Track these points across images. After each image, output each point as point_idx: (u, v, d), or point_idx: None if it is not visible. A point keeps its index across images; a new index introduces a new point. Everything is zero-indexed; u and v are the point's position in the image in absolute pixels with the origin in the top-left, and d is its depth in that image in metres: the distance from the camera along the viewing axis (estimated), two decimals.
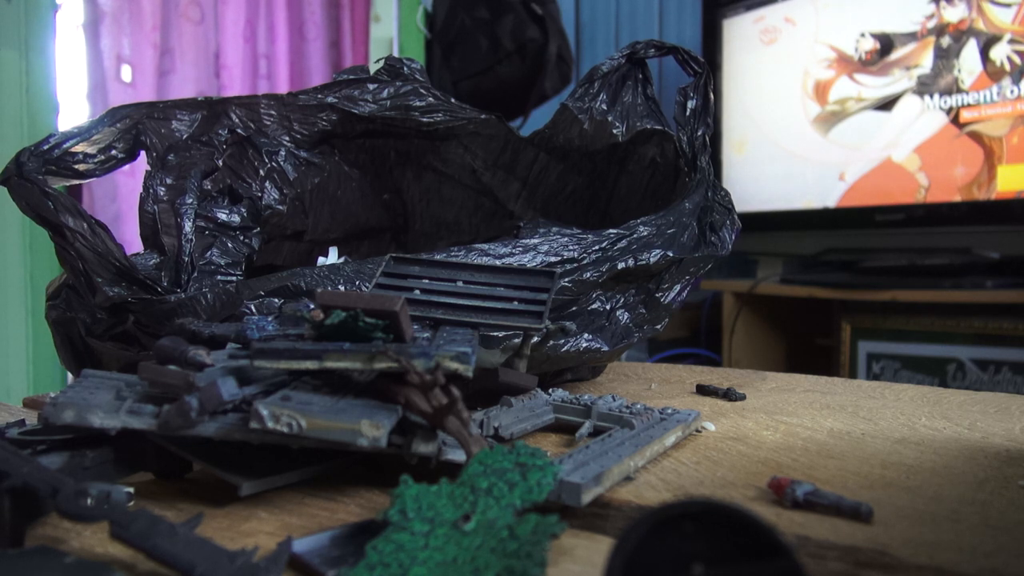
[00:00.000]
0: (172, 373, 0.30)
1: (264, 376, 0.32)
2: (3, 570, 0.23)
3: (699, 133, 0.61)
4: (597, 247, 0.49)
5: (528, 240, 0.47)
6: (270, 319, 0.37)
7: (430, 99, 0.65)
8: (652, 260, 0.51)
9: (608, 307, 0.51)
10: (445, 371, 0.30)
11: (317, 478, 0.34)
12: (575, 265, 0.48)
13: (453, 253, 0.45)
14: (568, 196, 0.69)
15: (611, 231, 0.51)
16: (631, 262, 0.50)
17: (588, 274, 0.49)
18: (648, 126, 0.64)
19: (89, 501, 0.25)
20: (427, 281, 0.41)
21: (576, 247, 0.49)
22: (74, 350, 0.47)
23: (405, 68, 0.64)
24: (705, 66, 0.63)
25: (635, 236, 0.51)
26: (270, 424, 0.28)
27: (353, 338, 0.31)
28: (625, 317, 0.52)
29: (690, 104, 0.61)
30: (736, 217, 0.59)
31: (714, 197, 0.59)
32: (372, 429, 0.28)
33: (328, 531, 0.28)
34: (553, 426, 0.43)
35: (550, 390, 0.46)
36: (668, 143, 0.64)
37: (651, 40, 0.65)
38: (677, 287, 0.55)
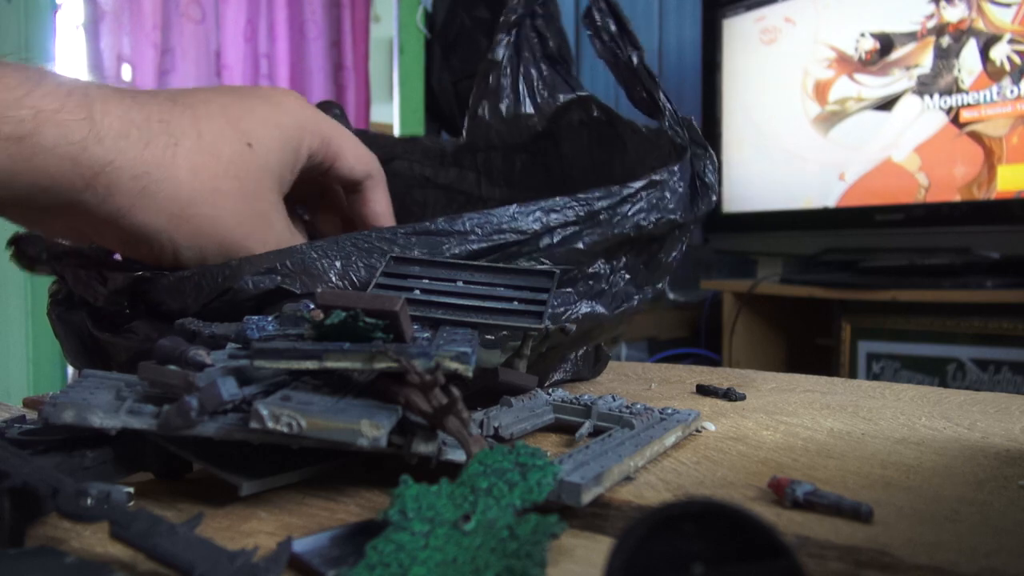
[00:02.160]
0: (172, 373, 0.30)
1: (264, 376, 0.32)
2: (3, 570, 0.23)
3: (635, 61, 0.55)
4: (600, 207, 0.46)
5: (526, 207, 0.45)
6: (270, 319, 0.37)
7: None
8: (656, 226, 0.49)
9: (607, 270, 0.50)
10: (445, 371, 0.30)
11: (317, 478, 0.34)
12: (577, 228, 0.46)
13: (449, 220, 0.44)
14: (521, 171, 0.68)
15: (614, 188, 0.48)
16: (633, 231, 0.48)
17: (588, 242, 0.46)
18: (560, 100, 0.62)
19: (89, 501, 0.25)
20: (427, 281, 0.41)
21: (579, 208, 0.46)
22: (80, 344, 0.47)
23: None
24: None
25: (637, 200, 0.48)
26: (270, 424, 0.28)
27: (353, 338, 0.31)
28: (625, 279, 0.51)
29: (604, 33, 0.56)
30: (712, 155, 0.54)
31: (688, 134, 0.54)
32: (372, 429, 0.28)
33: (328, 531, 0.28)
34: (553, 426, 0.43)
35: (550, 390, 0.46)
36: (588, 103, 0.62)
37: None
38: (678, 245, 0.53)
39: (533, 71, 0.64)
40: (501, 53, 0.63)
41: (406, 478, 0.26)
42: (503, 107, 0.64)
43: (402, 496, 0.25)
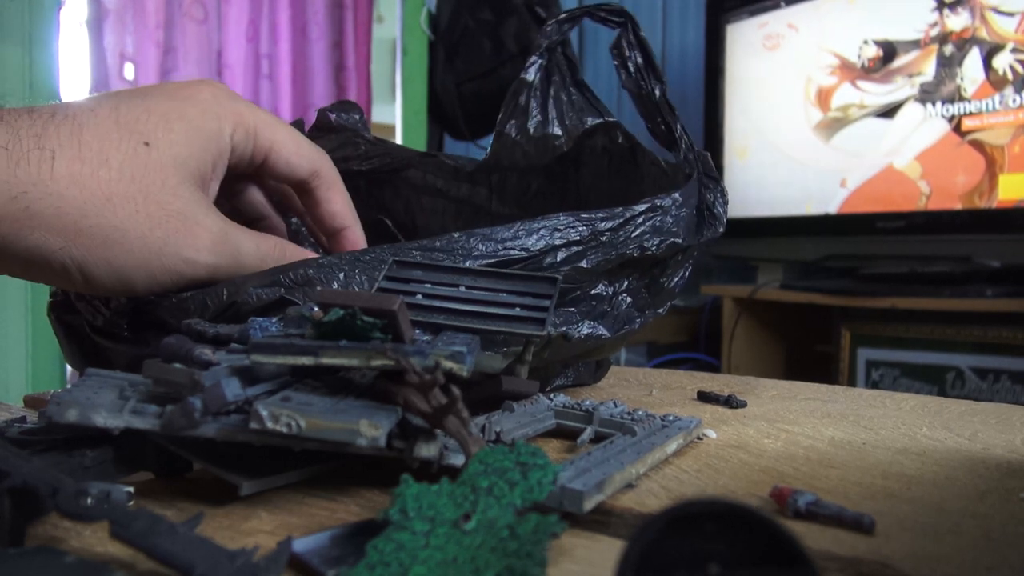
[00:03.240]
0: (177, 371, 0.30)
1: (269, 376, 0.32)
2: (3, 570, 0.23)
3: (657, 94, 0.57)
4: (604, 228, 0.47)
5: (531, 224, 0.46)
6: (274, 320, 0.37)
7: (364, 147, 0.66)
8: (660, 249, 0.50)
9: (610, 292, 0.50)
10: (442, 370, 0.30)
11: (317, 478, 0.34)
12: (581, 248, 0.47)
13: (454, 238, 0.44)
14: (536, 194, 0.69)
15: (618, 209, 0.48)
16: (637, 251, 0.48)
17: (593, 262, 0.47)
18: (588, 123, 0.63)
19: (89, 501, 0.25)
20: (429, 286, 0.41)
21: (583, 228, 0.47)
22: (80, 347, 0.47)
23: (334, 118, 0.65)
24: (626, 13, 0.59)
25: (642, 222, 0.49)
26: (269, 424, 0.28)
27: (351, 336, 0.31)
28: (627, 301, 0.51)
29: (631, 63, 0.58)
30: (723, 188, 0.57)
31: (701, 168, 0.57)
32: (371, 429, 0.28)
33: (328, 531, 0.28)
34: (554, 431, 0.43)
35: (551, 395, 0.46)
36: (613, 130, 0.63)
37: (559, 17, 0.64)
38: (681, 271, 0.54)
39: (563, 95, 0.65)
40: (533, 74, 0.64)
41: (407, 477, 0.26)
42: (531, 127, 0.64)
43: (403, 495, 0.25)
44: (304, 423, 0.28)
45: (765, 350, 2.07)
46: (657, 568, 0.18)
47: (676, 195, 0.51)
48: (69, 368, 0.56)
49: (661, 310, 0.54)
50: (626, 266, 0.50)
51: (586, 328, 0.48)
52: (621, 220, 0.48)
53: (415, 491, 0.26)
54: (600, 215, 0.47)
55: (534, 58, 0.64)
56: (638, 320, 0.52)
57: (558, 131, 0.64)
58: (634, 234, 0.48)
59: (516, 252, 0.45)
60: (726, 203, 0.56)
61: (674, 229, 0.50)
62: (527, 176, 0.68)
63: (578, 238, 0.46)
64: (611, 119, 0.64)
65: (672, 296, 0.54)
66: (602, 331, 0.49)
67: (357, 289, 0.42)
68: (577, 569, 0.25)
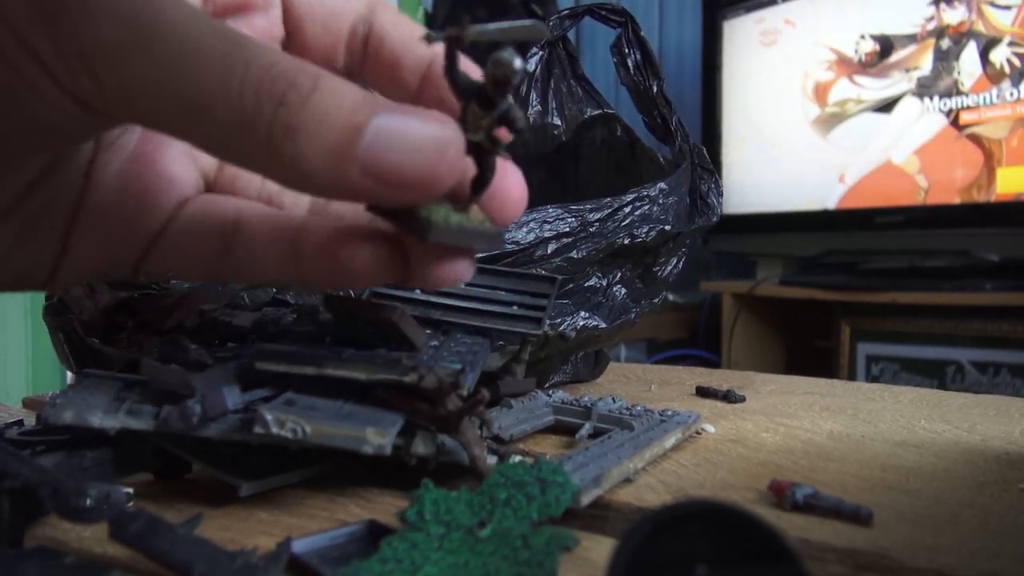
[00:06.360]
0: (173, 372, 0.30)
1: (268, 376, 0.32)
2: (3, 570, 0.23)
3: (655, 89, 0.59)
4: (593, 219, 0.48)
5: (520, 218, 0.46)
6: (288, 311, 0.37)
7: None
8: (650, 236, 0.50)
9: (604, 283, 0.51)
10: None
11: (317, 478, 0.34)
12: (571, 239, 0.47)
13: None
14: (538, 188, 0.69)
15: (606, 199, 0.48)
16: (626, 239, 0.49)
17: (583, 252, 0.47)
18: (587, 114, 0.64)
19: (88, 501, 0.25)
20: None
21: (572, 219, 0.47)
22: (73, 350, 0.47)
23: None
24: (626, 13, 0.60)
25: (631, 211, 0.49)
26: (275, 429, 0.28)
27: (359, 341, 0.31)
28: (622, 292, 0.51)
29: (630, 60, 0.59)
30: (718, 179, 0.57)
31: (695, 159, 0.58)
32: (377, 437, 0.28)
33: (327, 531, 0.28)
34: (553, 427, 0.43)
35: (550, 391, 0.46)
36: (612, 122, 0.63)
37: (561, 13, 0.64)
38: (674, 260, 0.54)
39: (563, 86, 0.65)
40: (534, 65, 0.64)
41: (427, 482, 0.26)
42: (530, 116, 0.65)
43: (421, 498, 0.26)
44: (310, 429, 0.28)
45: (765, 346, 2.07)
46: (646, 573, 0.18)
47: (662, 184, 0.51)
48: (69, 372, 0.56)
49: (656, 300, 0.54)
50: (618, 256, 0.50)
51: (581, 320, 0.48)
52: (610, 210, 0.48)
53: (434, 495, 0.26)
54: (588, 206, 0.48)
55: (535, 50, 0.64)
56: (634, 310, 0.52)
57: (557, 121, 0.65)
58: (623, 223, 0.49)
59: (507, 246, 0.45)
60: (720, 193, 0.56)
61: (663, 216, 0.51)
62: (530, 170, 0.68)
63: (568, 229, 0.47)
64: (610, 111, 0.64)
65: (666, 285, 0.55)
66: (597, 322, 0.49)
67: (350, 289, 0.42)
68: (576, 569, 0.25)
